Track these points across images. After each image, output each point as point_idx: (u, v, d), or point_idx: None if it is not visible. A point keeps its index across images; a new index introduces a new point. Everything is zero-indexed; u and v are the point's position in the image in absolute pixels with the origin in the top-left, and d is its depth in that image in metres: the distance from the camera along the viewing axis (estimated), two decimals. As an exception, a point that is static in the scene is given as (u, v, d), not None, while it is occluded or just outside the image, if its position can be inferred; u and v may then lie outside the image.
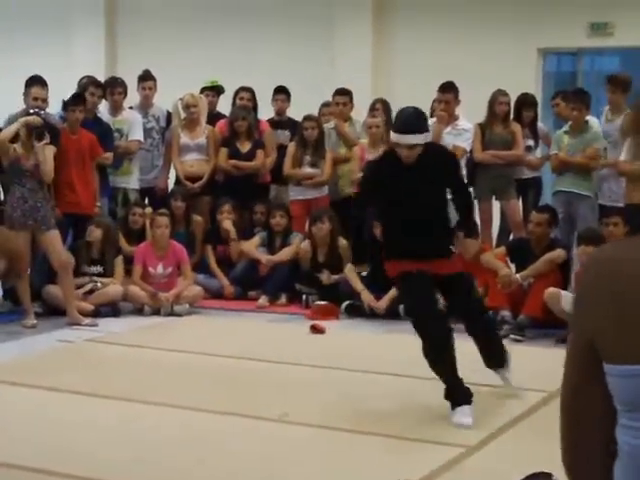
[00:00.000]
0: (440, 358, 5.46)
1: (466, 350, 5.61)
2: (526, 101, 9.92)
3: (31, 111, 8.49)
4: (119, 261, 9.10)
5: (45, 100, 8.93)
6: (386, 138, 9.92)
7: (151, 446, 5.00)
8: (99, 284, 8.86)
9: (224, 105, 10.81)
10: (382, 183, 5.67)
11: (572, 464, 1.45)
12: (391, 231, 5.78)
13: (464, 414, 5.36)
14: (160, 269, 9.12)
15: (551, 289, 7.91)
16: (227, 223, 9.65)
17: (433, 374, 5.51)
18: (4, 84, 12.23)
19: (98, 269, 8.99)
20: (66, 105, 9.11)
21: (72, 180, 9.01)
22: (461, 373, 5.50)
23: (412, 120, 5.58)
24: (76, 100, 9.15)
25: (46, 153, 8.29)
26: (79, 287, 8.74)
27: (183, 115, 10.16)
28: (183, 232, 9.67)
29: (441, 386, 5.49)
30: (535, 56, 12.06)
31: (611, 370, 1.37)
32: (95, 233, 8.89)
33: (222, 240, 9.72)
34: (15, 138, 8.30)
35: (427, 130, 5.69)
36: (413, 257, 5.55)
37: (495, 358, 5.96)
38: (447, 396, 5.48)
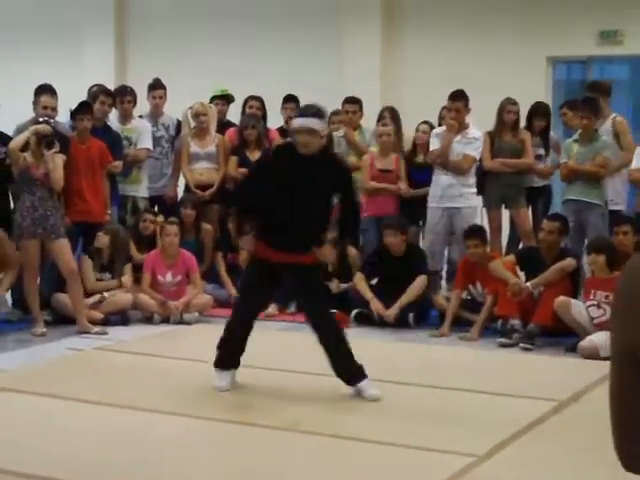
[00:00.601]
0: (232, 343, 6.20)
1: (479, 359, 5.60)
2: (539, 110, 9.91)
3: (40, 120, 8.50)
4: (128, 268, 9.10)
5: (55, 109, 8.94)
6: (397, 146, 9.95)
7: (160, 455, 4.99)
8: (106, 295, 8.87)
9: (234, 114, 10.82)
10: (277, 170, 5.96)
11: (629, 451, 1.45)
12: (272, 218, 5.96)
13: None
14: (169, 277, 9.13)
15: (561, 298, 7.89)
16: (237, 231, 9.63)
17: (441, 383, 5.48)
18: (14, 92, 12.26)
19: (107, 276, 9.00)
20: (73, 114, 9.13)
21: (82, 188, 9.03)
22: (473, 382, 5.46)
23: (314, 108, 5.95)
24: (83, 108, 9.16)
25: (56, 161, 8.30)
26: (88, 297, 8.75)
27: (193, 124, 10.18)
28: (193, 240, 9.67)
29: (451, 395, 5.45)
30: (544, 64, 12.07)
31: None
32: (103, 239, 8.91)
33: (232, 248, 9.71)
34: (25, 147, 8.31)
35: (326, 122, 6.13)
36: (280, 248, 5.90)
37: (346, 372, 6.03)
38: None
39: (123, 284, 8.98)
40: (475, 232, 8.73)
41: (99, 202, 9.24)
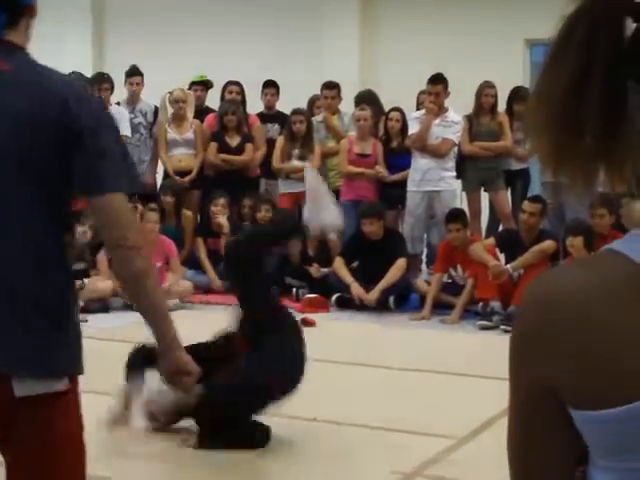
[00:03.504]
0: None
1: (460, 342, 5.63)
2: (519, 94, 9.92)
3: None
4: (102, 256, 9.07)
5: None
6: (374, 130, 9.96)
7: (145, 442, 4.99)
8: (86, 281, 8.84)
9: (212, 100, 10.80)
10: None
11: None
12: None
13: None
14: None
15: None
16: (222, 218, 9.61)
17: (422, 366, 5.50)
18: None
19: (81, 265, 8.96)
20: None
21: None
22: (454, 364, 5.49)
23: None
24: None
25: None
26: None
27: (170, 110, 10.16)
28: (173, 227, 9.66)
29: (434, 378, 5.47)
30: (522, 47, 12.08)
31: (586, 416, 1.20)
32: (88, 235, 8.84)
33: (213, 234, 9.70)
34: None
35: None
36: None
37: None
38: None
39: (100, 272, 8.97)
40: (456, 216, 8.75)
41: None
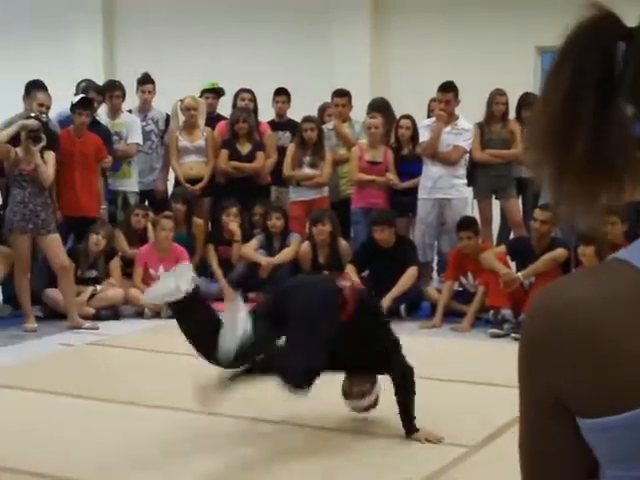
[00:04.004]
0: None
1: (471, 350, 5.61)
2: (527, 101, 9.91)
3: (32, 115, 8.49)
4: (115, 264, 9.08)
5: (49, 107, 8.96)
6: (386, 138, 9.96)
7: (154, 449, 4.99)
8: (98, 288, 8.86)
9: (224, 107, 10.81)
10: None
11: None
12: None
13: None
14: (161, 270, 9.12)
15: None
16: (233, 225, 9.62)
17: (433, 374, 5.46)
18: (1, 84, 12.29)
19: (94, 273, 8.98)
20: (73, 108, 9.11)
21: (75, 183, 9.01)
22: (465, 372, 5.46)
23: None
24: (84, 104, 9.14)
25: (46, 158, 8.31)
26: (78, 295, 8.72)
27: (182, 118, 10.18)
28: (184, 234, 9.67)
29: (445, 386, 5.45)
30: (533, 54, 12.06)
31: (594, 424, 1.21)
32: (101, 244, 8.84)
33: (224, 241, 9.71)
34: (17, 142, 8.29)
35: None
36: None
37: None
38: None
39: (112, 281, 8.97)
40: (468, 224, 8.74)
41: (92, 197, 9.22)
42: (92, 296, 8.83)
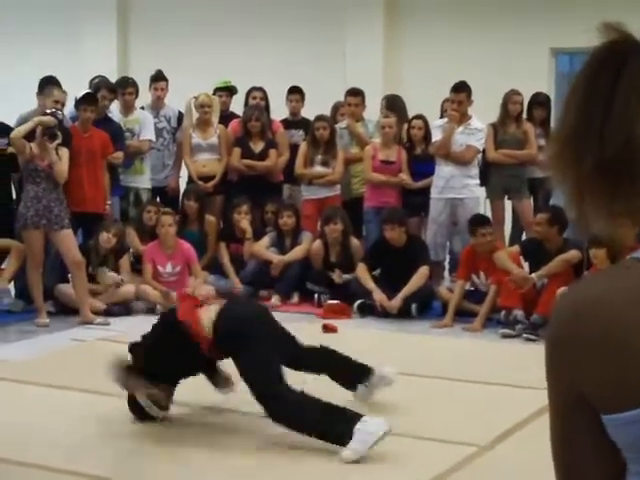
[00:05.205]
0: None
1: (482, 350, 5.60)
2: (537, 100, 9.91)
3: (48, 111, 8.51)
4: (125, 261, 9.08)
5: (64, 104, 8.98)
6: (399, 138, 9.96)
7: (165, 444, 5.00)
8: (119, 278, 8.87)
9: (236, 105, 10.82)
10: None
11: None
12: None
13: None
14: (169, 268, 9.15)
15: (564, 289, 7.89)
16: (245, 223, 9.63)
17: (443, 374, 5.44)
18: (14, 80, 12.32)
19: (105, 269, 8.99)
20: (78, 104, 9.13)
21: (81, 178, 9.01)
22: (475, 373, 5.46)
23: None
24: (88, 99, 9.16)
25: (60, 154, 8.33)
26: (95, 295, 8.76)
27: (195, 115, 10.20)
28: (196, 231, 9.69)
29: (456, 385, 5.43)
30: (547, 55, 12.04)
31: (615, 420, 1.24)
32: (112, 242, 8.85)
33: (235, 239, 9.72)
34: (31, 137, 8.31)
35: None
36: None
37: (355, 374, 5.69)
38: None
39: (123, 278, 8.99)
40: (483, 221, 8.73)
41: (98, 192, 9.22)
42: (118, 286, 8.85)
